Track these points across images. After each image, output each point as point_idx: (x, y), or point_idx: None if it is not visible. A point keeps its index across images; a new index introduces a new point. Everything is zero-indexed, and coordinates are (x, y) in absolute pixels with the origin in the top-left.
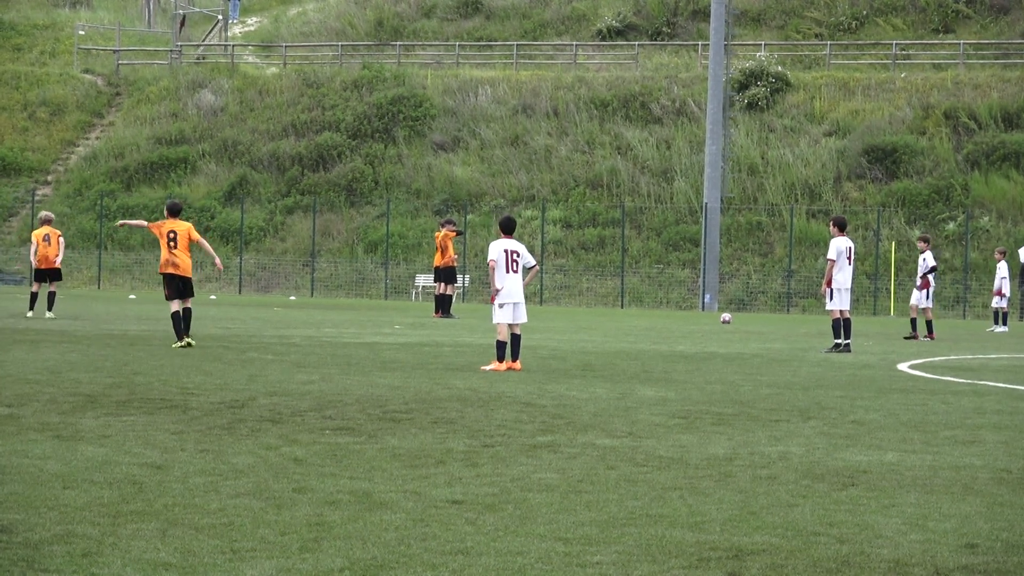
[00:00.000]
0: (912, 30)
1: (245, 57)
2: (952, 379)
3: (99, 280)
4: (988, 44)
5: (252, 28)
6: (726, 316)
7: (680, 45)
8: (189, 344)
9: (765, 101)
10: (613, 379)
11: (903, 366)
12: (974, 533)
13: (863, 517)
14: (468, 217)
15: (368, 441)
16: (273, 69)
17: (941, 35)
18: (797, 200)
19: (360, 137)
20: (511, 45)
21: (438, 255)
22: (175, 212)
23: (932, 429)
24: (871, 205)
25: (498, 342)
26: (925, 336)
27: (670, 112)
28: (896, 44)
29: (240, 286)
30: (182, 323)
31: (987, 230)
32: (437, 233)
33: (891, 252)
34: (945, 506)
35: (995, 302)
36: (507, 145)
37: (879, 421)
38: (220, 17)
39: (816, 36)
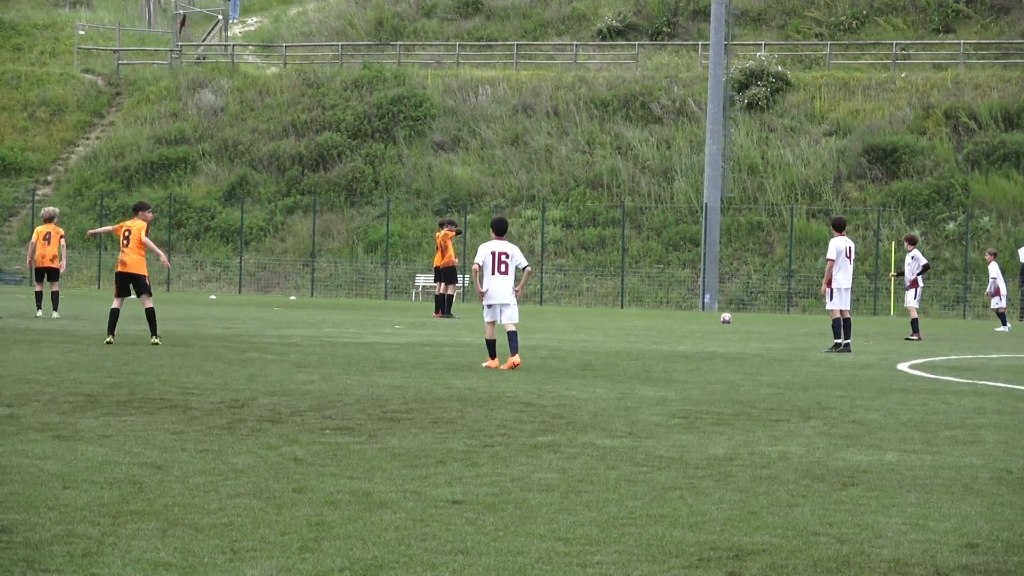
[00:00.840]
0: (912, 30)
1: (245, 57)
2: (952, 379)
3: (99, 280)
4: (988, 44)
5: (252, 28)
6: (726, 316)
7: (680, 45)
8: (156, 343)
9: (765, 101)
10: (613, 379)
11: (903, 366)
12: (974, 533)
13: (863, 517)
14: (468, 217)
15: (368, 441)
16: (273, 69)
17: (941, 35)
18: (797, 200)
19: (360, 137)
20: (511, 45)
21: (438, 255)
22: (137, 210)
23: (932, 429)
24: (871, 205)
25: (487, 341)
26: (913, 337)
27: (670, 112)
28: (896, 44)
29: (240, 286)
30: (116, 320)
31: (987, 230)
32: (438, 233)
33: (891, 252)
34: (945, 506)
35: (995, 303)
36: (507, 145)
37: (879, 421)
38: (220, 17)
39: (816, 36)
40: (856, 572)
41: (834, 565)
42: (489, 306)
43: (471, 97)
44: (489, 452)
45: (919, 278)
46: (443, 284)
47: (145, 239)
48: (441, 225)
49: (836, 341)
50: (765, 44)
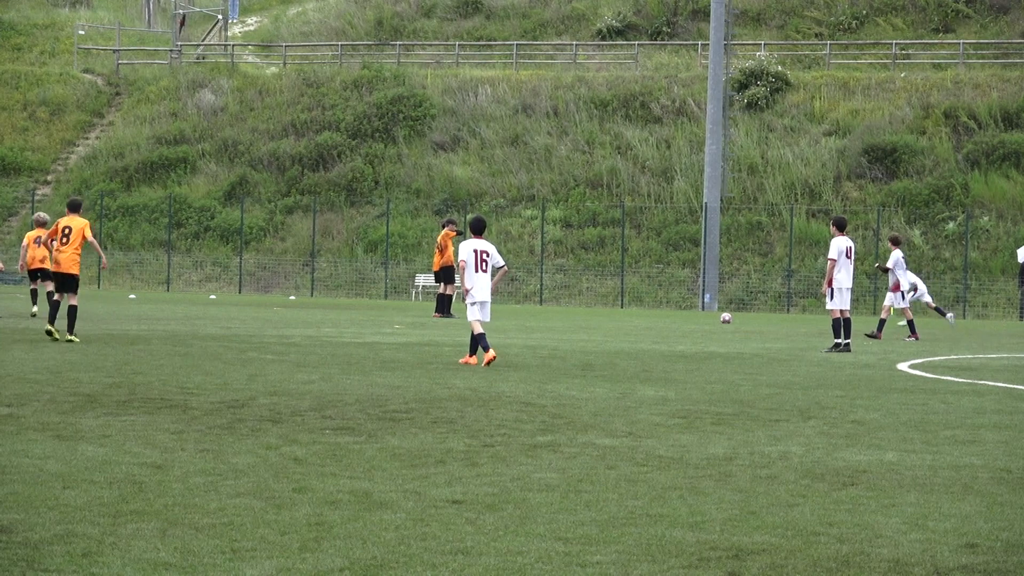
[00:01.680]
0: (912, 30)
1: (245, 57)
2: (952, 379)
3: (99, 280)
4: (988, 44)
5: (252, 28)
6: (726, 316)
7: (680, 45)
8: (70, 341)
9: (765, 101)
10: (613, 379)
11: (903, 366)
12: (974, 533)
13: (863, 517)
14: (468, 216)
15: (368, 441)
16: (273, 69)
17: (941, 35)
18: (797, 200)
19: (360, 137)
20: (511, 45)
21: (437, 255)
22: (74, 208)
23: (932, 429)
24: (871, 205)
25: (472, 336)
26: (874, 335)
27: (670, 112)
28: (896, 44)
29: (240, 286)
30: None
31: (987, 230)
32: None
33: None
34: (945, 506)
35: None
36: (507, 145)
37: (879, 421)
38: (220, 17)
39: (816, 36)
40: (856, 572)
41: (834, 565)
42: (474, 303)
43: (471, 97)
44: (489, 452)
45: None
46: (443, 284)
47: (92, 239)
48: (442, 226)
49: (836, 341)
50: (765, 44)
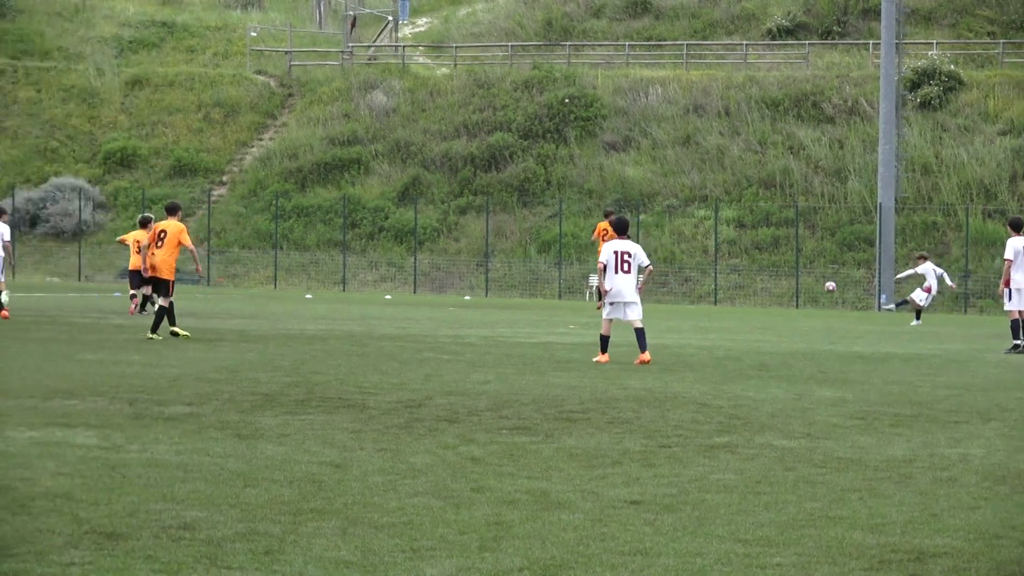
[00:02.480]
0: None
1: (416, 58)
2: None
3: (275, 280)
4: None
5: (422, 29)
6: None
7: (851, 44)
8: (150, 339)
9: (938, 100)
10: (789, 379)
11: None
12: None
13: None
14: (641, 217)
15: (545, 441)
16: (444, 70)
17: None
18: (972, 200)
19: (531, 137)
20: (680, 45)
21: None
22: (172, 212)
23: None
24: None
25: (601, 336)
26: None
27: (842, 111)
28: None
29: (415, 286)
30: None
31: None
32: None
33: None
34: None
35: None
36: (678, 145)
37: None
38: (390, 18)
39: (988, 34)
40: None
41: (1017, 569)
42: (612, 304)
43: (641, 97)
44: (666, 452)
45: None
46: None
47: (188, 244)
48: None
49: (1015, 342)
50: (937, 43)
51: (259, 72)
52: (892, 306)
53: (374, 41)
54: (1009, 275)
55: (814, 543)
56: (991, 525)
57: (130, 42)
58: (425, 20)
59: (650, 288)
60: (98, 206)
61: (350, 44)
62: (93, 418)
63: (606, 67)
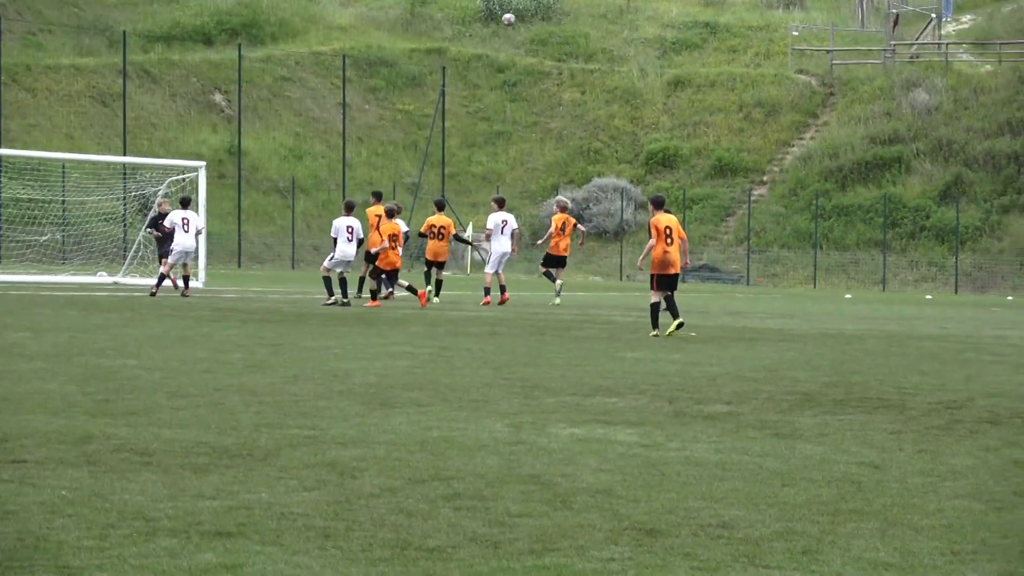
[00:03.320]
0: None
1: (958, 55)
2: None
3: (815, 279)
4: None
5: (966, 26)
6: None
7: None
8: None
9: None
10: None
11: None
12: None
13: None
14: None
15: None
16: (987, 67)
17: None
18: None
19: None
20: None
21: None
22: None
23: None
24: None
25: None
26: None
27: None
28: None
29: (956, 286)
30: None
31: None
32: None
33: None
34: None
35: None
36: None
37: None
38: (933, 15)
39: None
40: None
41: None
42: None
43: None
44: None
45: None
46: None
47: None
48: None
49: None
50: None
51: (800, 71)
52: None
53: (916, 39)
54: None
55: None
56: None
57: (673, 43)
58: (969, 17)
59: None
60: (639, 206)
61: (892, 42)
62: (633, 415)
63: None
